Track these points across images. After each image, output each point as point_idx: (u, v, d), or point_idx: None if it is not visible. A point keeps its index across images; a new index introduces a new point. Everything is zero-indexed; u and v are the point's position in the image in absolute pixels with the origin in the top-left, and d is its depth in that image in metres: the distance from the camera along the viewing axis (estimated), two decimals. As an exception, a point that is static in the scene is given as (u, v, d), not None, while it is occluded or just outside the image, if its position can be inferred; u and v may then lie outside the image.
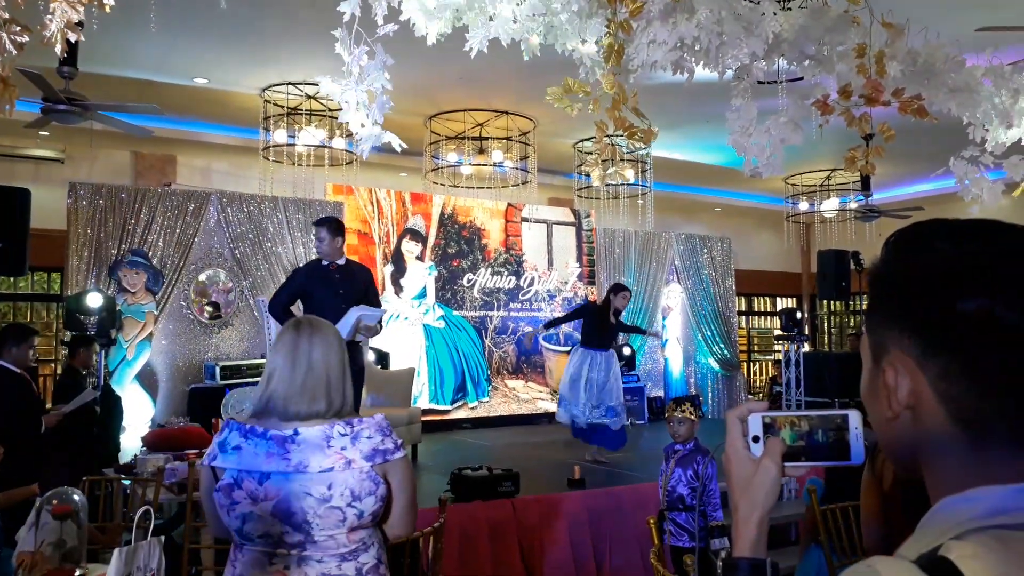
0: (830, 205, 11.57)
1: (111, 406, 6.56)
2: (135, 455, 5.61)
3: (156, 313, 7.92)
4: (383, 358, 8.52)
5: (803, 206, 12.02)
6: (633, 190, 10.27)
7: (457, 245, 10.09)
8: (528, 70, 4.54)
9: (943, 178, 4.00)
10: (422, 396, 9.41)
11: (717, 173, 11.39)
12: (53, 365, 9.46)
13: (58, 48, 2.42)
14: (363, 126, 2.74)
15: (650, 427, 10.13)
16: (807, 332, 12.89)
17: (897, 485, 1.77)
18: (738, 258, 12.86)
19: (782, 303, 15.14)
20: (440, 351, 9.80)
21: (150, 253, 7.90)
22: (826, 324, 15.85)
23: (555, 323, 8.14)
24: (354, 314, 4.65)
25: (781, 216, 12.52)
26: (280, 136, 8.42)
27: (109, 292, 7.37)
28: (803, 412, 0.94)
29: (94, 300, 6.56)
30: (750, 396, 13.25)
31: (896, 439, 0.78)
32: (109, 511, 4.17)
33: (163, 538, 2.24)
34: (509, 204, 10.57)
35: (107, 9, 2.49)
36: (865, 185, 10.02)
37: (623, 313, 7.24)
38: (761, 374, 15.11)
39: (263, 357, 8.24)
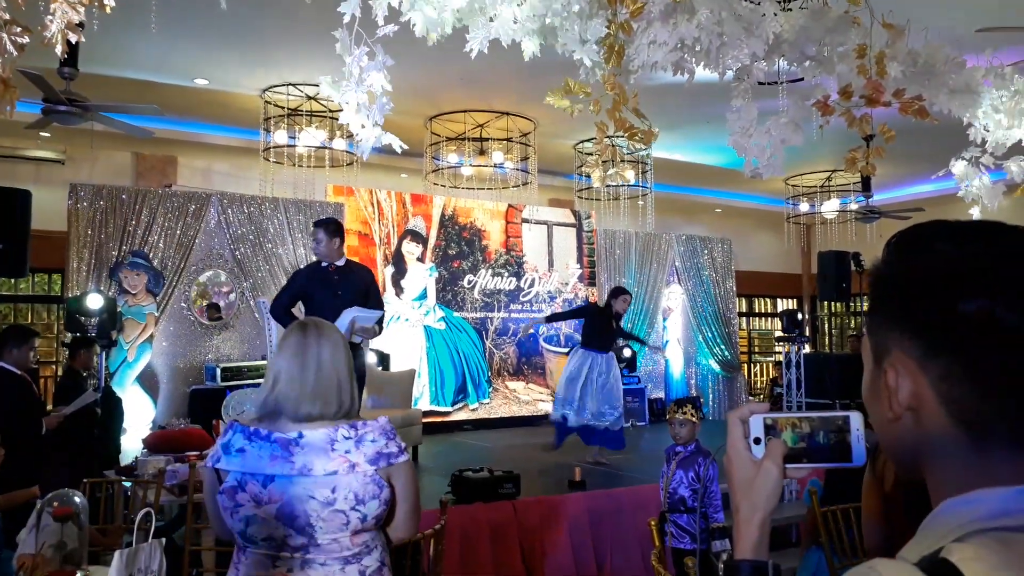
0: (831, 206, 11.57)
1: (112, 408, 6.56)
2: (136, 457, 5.61)
3: (157, 315, 7.92)
4: (384, 359, 8.52)
5: (804, 207, 12.02)
6: (633, 191, 10.27)
7: (458, 246, 10.09)
8: (528, 71, 4.54)
9: (944, 179, 3.99)
10: (423, 397, 9.41)
11: (717, 174, 11.40)
12: (54, 367, 9.47)
13: (59, 49, 2.42)
14: (363, 127, 2.74)
15: (651, 429, 10.13)
16: (808, 333, 12.88)
17: (898, 486, 1.77)
18: (739, 259, 12.86)
19: (783, 304, 15.14)
20: (441, 352, 9.80)
21: (151, 254, 7.90)
22: (827, 325, 15.85)
23: (556, 318, 8.40)
24: (348, 315, 4.63)
25: (782, 217, 12.52)
26: (281, 137, 8.43)
27: (110, 293, 7.38)
28: (804, 414, 0.94)
29: (95, 301, 6.57)
30: (751, 397, 13.25)
31: (897, 440, 0.77)
32: (110, 513, 4.17)
33: (164, 540, 2.25)
34: (510, 205, 10.57)
35: (108, 10, 2.49)
36: (866, 186, 10.02)
37: (624, 318, 7.26)
38: (762, 375, 15.11)
39: (264, 359, 8.24)
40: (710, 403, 11.84)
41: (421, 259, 9.82)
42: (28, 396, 4.64)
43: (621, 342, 8.76)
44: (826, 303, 15.09)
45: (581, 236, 11.10)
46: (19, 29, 2.41)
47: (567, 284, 10.88)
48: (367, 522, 1.87)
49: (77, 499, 2.75)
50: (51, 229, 7.55)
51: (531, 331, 10.07)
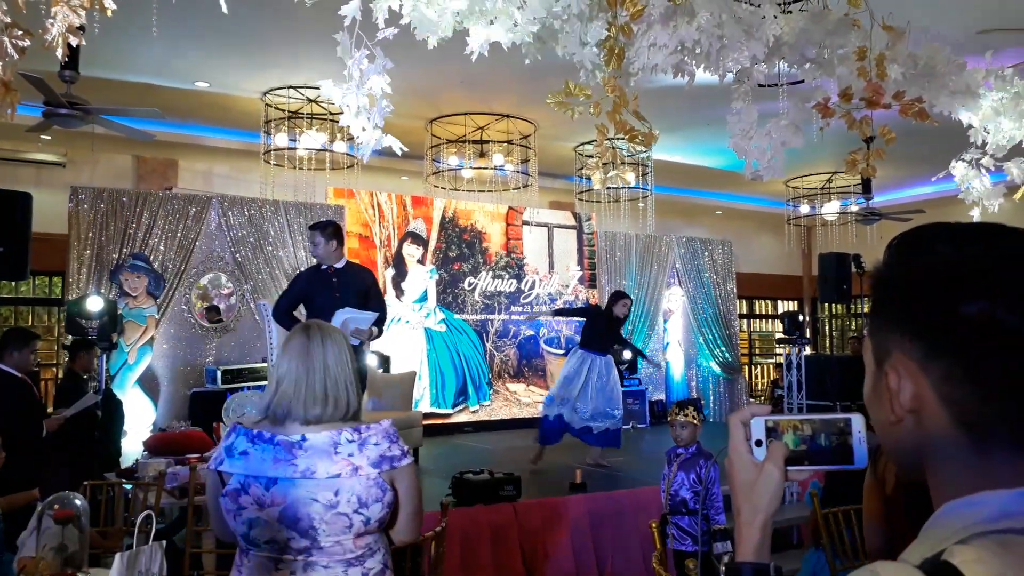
0: (831, 208, 11.57)
1: (112, 410, 6.56)
2: (136, 459, 5.60)
3: (157, 317, 7.92)
4: (384, 362, 8.52)
5: (804, 209, 12.02)
6: (634, 193, 10.28)
7: (458, 248, 10.09)
8: (529, 73, 4.55)
9: (944, 181, 4.00)
10: (423, 400, 9.40)
11: (718, 176, 11.40)
12: (54, 369, 9.47)
13: (59, 52, 2.42)
14: (364, 130, 2.74)
15: (651, 431, 10.13)
16: (808, 335, 12.88)
17: (900, 488, 1.77)
18: (739, 261, 12.86)
19: (783, 306, 15.14)
20: (441, 354, 9.80)
21: (151, 257, 7.90)
22: (827, 327, 15.84)
23: (561, 313, 8.88)
24: (340, 317, 4.61)
25: (782, 219, 12.52)
26: (281, 140, 8.43)
27: (110, 296, 7.38)
28: (806, 416, 0.94)
29: (95, 304, 6.56)
30: (752, 399, 13.24)
31: (899, 443, 0.77)
32: (110, 515, 4.18)
33: (164, 542, 2.24)
34: (510, 207, 10.58)
35: (108, 13, 2.49)
36: (866, 188, 10.02)
37: (624, 323, 7.27)
38: (763, 377, 15.10)
39: (264, 361, 8.24)
40: (711, 405, 11.83)
41: (422, 261, 9.83)
42: (29, 398, 4.64)
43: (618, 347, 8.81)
44: (827, 305, 15.07)
45: (582, 238, 11.10)
46: (20, 32, 2.41)
47: (567, 286, 10.88)
48: (370, 525, 1.87)
49: (78, 501, 2.75)
50: (52, 232, 7.55)
51: (539, 319, 10.27)
